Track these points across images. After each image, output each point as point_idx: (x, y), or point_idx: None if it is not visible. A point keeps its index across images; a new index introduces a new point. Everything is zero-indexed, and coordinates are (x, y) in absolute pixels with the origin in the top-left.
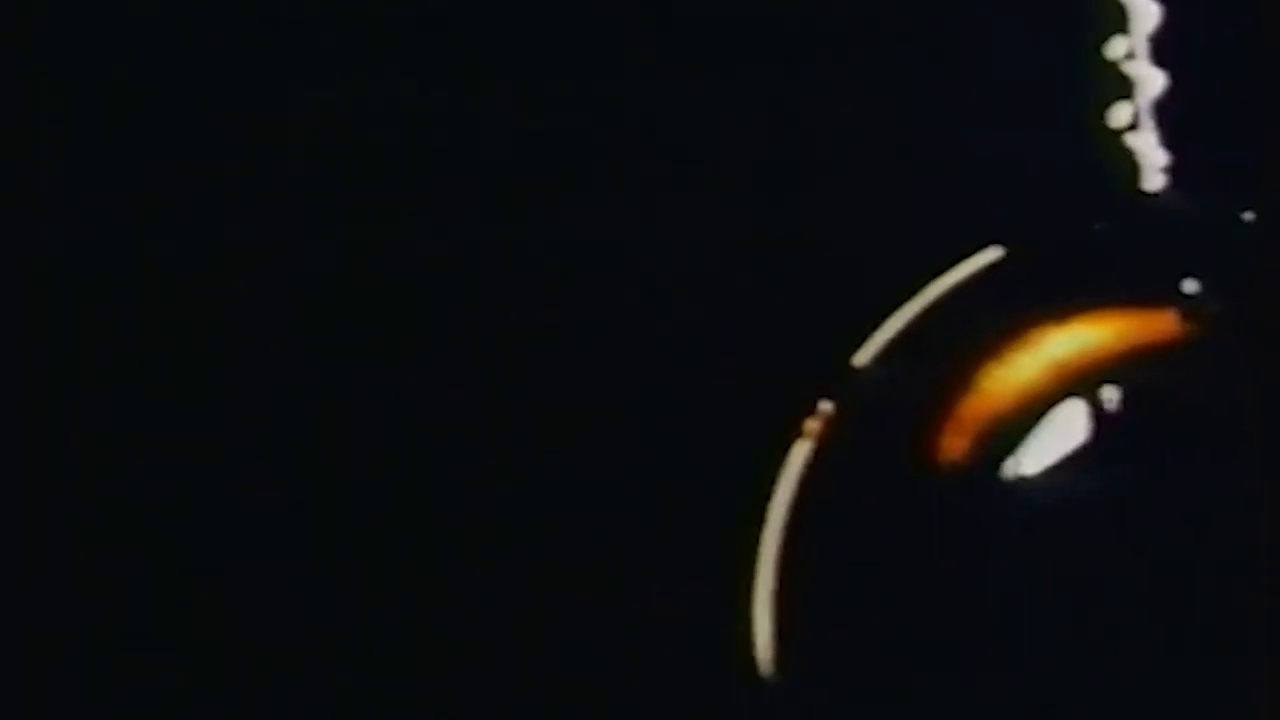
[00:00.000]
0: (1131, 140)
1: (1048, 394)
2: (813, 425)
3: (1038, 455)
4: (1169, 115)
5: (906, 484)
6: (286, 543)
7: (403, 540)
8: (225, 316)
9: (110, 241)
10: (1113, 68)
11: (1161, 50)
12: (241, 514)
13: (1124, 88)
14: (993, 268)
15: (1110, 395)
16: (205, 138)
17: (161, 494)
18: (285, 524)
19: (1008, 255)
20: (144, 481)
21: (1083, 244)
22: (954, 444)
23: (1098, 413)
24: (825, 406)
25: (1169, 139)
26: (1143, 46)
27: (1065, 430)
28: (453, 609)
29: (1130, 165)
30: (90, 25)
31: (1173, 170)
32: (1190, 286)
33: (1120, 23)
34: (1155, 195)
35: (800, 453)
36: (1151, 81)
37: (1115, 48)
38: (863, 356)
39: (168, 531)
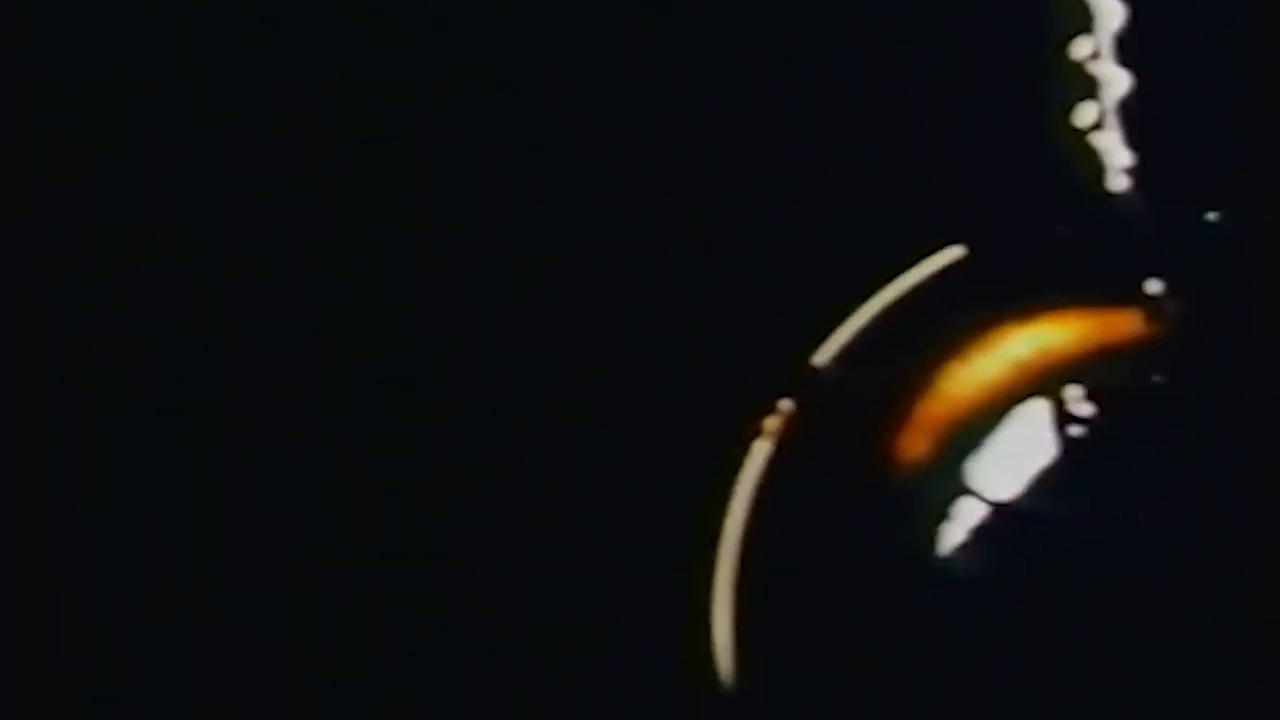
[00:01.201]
0: (1096, 140)
1: (1009, 394)
2: (772, 424)
3: (998, 456)
4: (1134, 115)
5: (867, 484)
6: (265, 539)
7: (355, 534)
8: (223, 316)
9: (108, 241)
10: (1077, 67)
11: (1127, 50)
12: (232, 514)
13: (1089, 87)
14: (954, 267)
15: (1072, 396)
16: (204, 138)
17: (161, 495)
18: (267, 519)
19: (969, 255)
20: (143, 482)
21: (1046, 243)
22: (914, 444)
23: (1059, 413)
24: (785, 405)
25: (1134, 139)
26: (1108, 46)
27: (1026, 431)
28: (398, 611)
29: (1095, 165)
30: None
31: (1137, 170)
32: (1154, 286)
33: (1085, 22)
34: (1120, 195)
35: (759, 452)
36: (1116, 81)
37: (1080, 47)
38: (823, 355)
39: (167, 532)
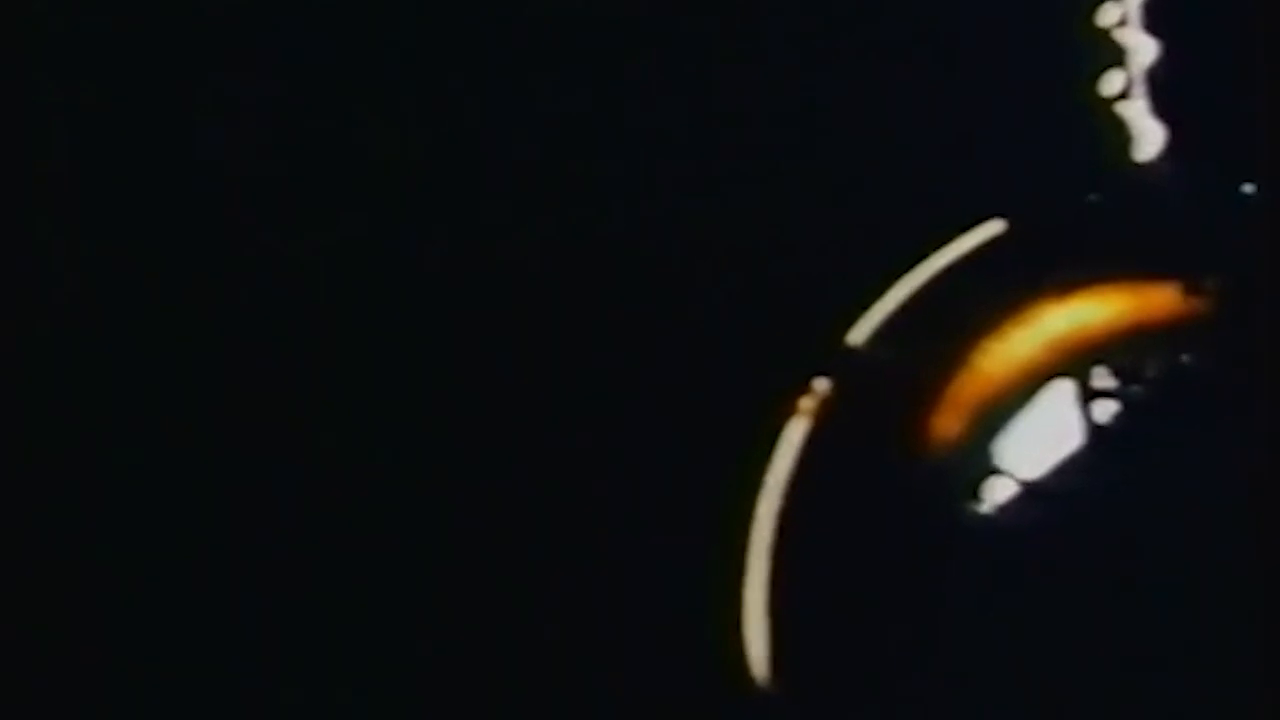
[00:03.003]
0: (1123, 109)
1: (1043, 372)
2: (807, 404)
3: (1028, 434)
4: (1162, 84)
5: (900, 466)
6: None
7: (373, 527)
8: (224, 317)
9: (109, 241)
10: (1104, 35)
11: (1154, 16)
12: (233, 516)
13: (1115, 55)
14: (990, 243)
15: (1108, 373)
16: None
17: (161, 495)
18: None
19: (1006, 230)
20: (143, 482)
21: (1081, 218)
22: (947, 423)
23: (1094, 391)
24: (820, 385)
25: (1162, 108)
26: (1135, 13)
27: (1062, 409)
28: (416, 608)
29: (1122, 135)
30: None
31: (1167, 140)
32: (1192, 261)
33: None
34: (1149, 166)
35: (794, 432)
36: (1144, 49)
37: (1107, 14)
38: (858, 334)
39: (168, 533)
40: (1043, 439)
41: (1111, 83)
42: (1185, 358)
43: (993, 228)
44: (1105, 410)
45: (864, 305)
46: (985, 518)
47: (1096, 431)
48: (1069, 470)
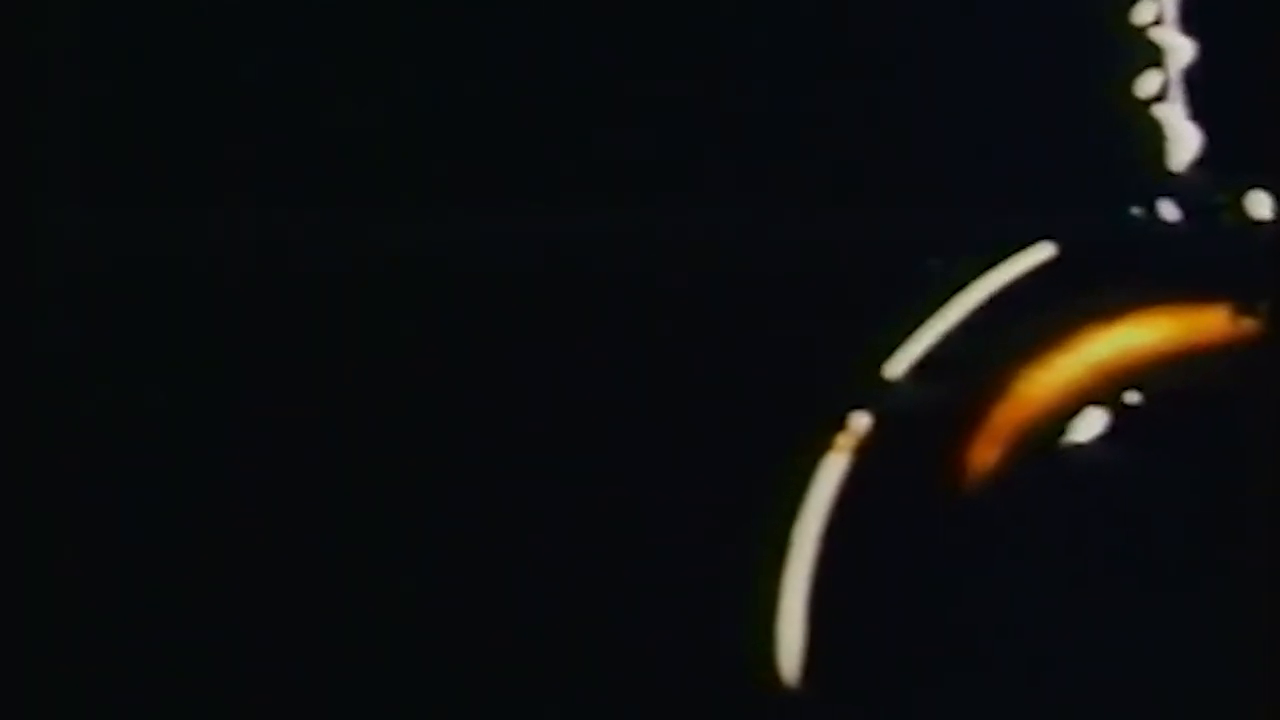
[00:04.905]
0: (1160, 113)
1: (1084, 398)
2: (846, 440)
3: (1067, 461)
4: (1200, 85)
5: (938, 498)
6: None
7: (416, 546)
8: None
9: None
10: (1138, 35)
11: (1191, 16)
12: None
13: (1152, 56)
14: (1034, 270)
15: (1146, 400)
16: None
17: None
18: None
19: (1051, 256)
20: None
21: (1126, 242)
22: (985, 454)
23: (1133, 418)
24: (859, 420)
25: (1200, 112)
26: (1171, 12)
27: (1097, 435)
28: (453, 617)
29: (1158, 141)
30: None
31: (1204, 144)
32: (1241, 282)
33: None
34: (1186, 175)
35: (833, 467)
36: (1180, 50)
37: (1142, 13)
38: (896, 369)
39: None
40: (1080, 465)
41: (1148, 84)
42: (1228, 380)
43: (1036, 255)
44: (1147, 434)
45: (901, 339)
46: (1017, 542)
47: (1137, 457)
48: (1106, 496)
